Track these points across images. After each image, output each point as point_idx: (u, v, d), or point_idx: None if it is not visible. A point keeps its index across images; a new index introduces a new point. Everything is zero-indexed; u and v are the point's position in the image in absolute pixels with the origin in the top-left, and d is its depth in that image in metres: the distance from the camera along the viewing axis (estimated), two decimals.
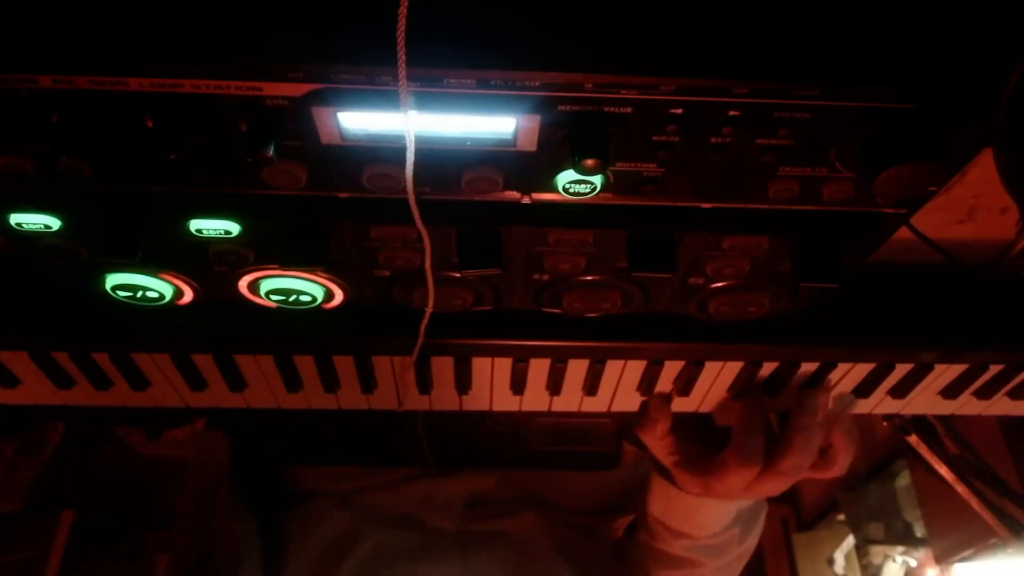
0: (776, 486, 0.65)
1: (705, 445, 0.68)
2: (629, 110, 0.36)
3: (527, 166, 0.40)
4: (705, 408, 0.69)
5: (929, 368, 0.64)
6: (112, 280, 0.49)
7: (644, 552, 0.80)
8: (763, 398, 0.66)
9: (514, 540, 0.88)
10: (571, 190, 0.41)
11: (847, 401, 0.68)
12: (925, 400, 0.69)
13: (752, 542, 0.80)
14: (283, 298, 0.51)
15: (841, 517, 1.74)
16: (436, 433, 0.84)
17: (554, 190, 0.42)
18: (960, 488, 0.90)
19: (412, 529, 0.88)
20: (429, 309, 0.49)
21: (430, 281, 0.46)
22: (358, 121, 0.37)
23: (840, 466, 0.67)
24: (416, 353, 0.53)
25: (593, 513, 0.95)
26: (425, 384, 0.64)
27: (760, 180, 0.42)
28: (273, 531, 0.92)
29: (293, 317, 0.53)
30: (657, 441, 0.69)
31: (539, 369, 0.63)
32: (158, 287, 0.49)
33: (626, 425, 0.90)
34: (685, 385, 0.65)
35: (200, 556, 0.85)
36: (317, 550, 0.87)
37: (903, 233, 0.49)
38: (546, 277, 0.50)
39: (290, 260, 0.46)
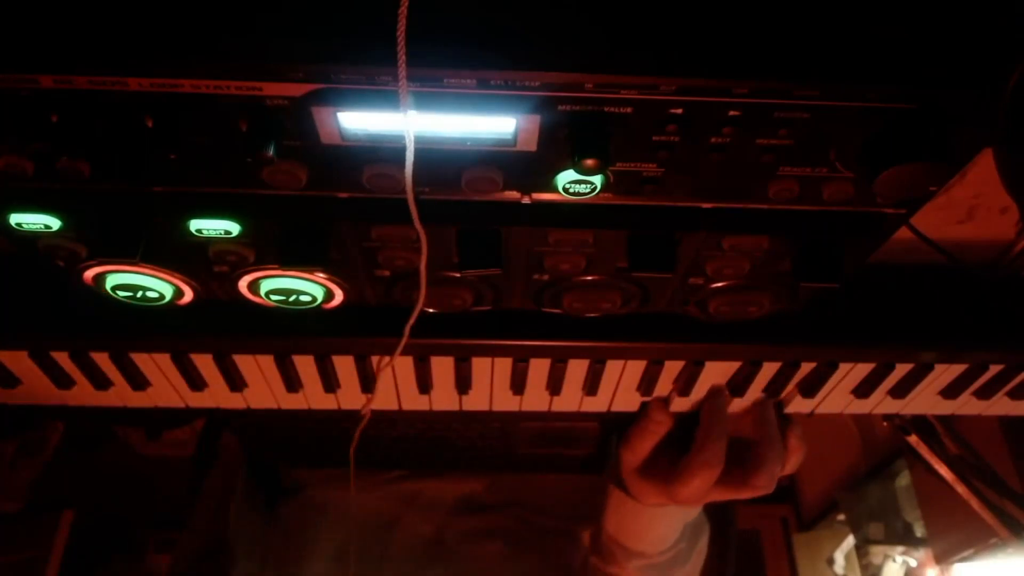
0: (748, 496, 0.66)
1: (670, 454, 0.69)
2: (629, 110, 0.36)
3: (527, 166, 0.40)
4: None
5: (929, 368, 0.64)
6: (112, 280, 0.49)
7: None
8: (726, 400, 0.66)
9: (480, 555, 0.88)
10: (571, 190, 0.41)
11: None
12: (925, 400, 0.69)
13: (695, 566, 0.81)
14: (283, 298, 0.51)
15: (841, 517, 1.74)
16: (425, 436, 0.84)
17: (554, 190, 0.42)
18: (960, 488, 0.90)
19: (391, 531, 0.89)
20: (418, 307, 0.49)
21: (423, 281, 0.46)
22: (358, 121, 0.37)
23: (792, 465, 0.69)
24: (398, 352, 0.53)
25: (577, 518, 0.95)
26: (425, 384, 0.64)
27: (760, 180, 0.42)
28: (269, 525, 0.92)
29: (293, 317, 0.53)
30: (646, 445, 0.69)
31: (539, 369, 0.63)
32: (158, 287, 0.49)
33: (612, 428, 0.90)
34: (685, 385, 0.65)
35: (209, 550, 0.85)
36: (295, 550, 0.87)
37: (903, 233, 0.49)
38: (546, 277, 0.50)
39: (290, 260, 0.46)
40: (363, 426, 0.62)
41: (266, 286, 0.50)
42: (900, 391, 0.67)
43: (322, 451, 0.90)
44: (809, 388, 0.66)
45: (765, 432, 0.65)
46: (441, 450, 0.89)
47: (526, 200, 0.43)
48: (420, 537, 0.89)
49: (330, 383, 0.63)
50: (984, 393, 0.68)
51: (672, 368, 0.63)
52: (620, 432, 0.76)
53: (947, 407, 0.70)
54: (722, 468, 0.63)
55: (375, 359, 0.61)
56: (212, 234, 0.45)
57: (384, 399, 0.66)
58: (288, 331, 0.57)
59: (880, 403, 0.69)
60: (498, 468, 0.94)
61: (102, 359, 0.60)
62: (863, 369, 0.64)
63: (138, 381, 0.62)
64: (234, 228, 0.44)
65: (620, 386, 0.65)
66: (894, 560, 1.62)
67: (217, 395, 0.64)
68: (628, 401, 0.68)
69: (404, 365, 0.62)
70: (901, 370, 0.64)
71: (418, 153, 0.37)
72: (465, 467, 0.93)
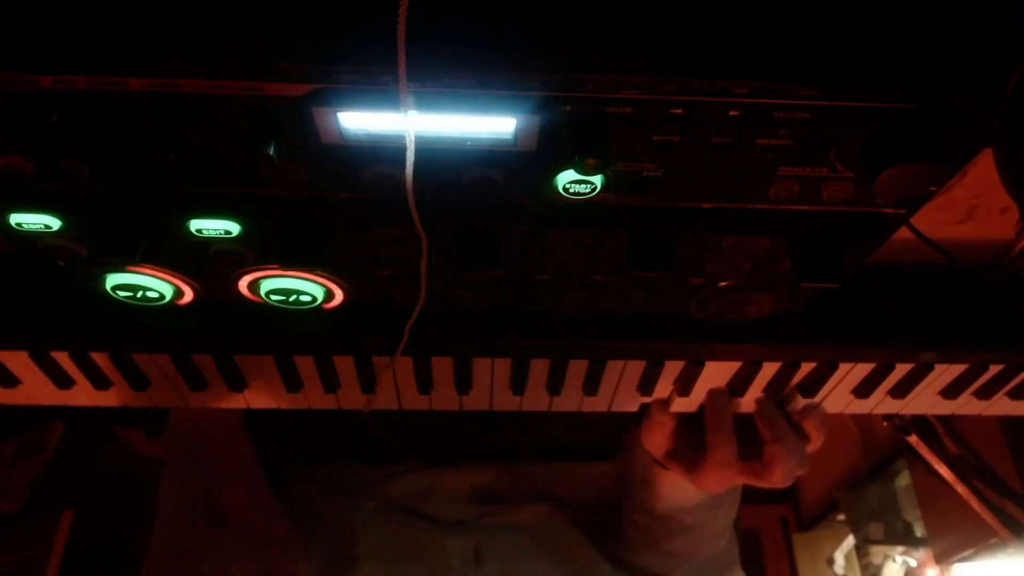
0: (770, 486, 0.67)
1: (693, 438, 0.70)
2: (629, 110, 0.36)
3: (527, 166, 0.40)
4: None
5: (929, 368, 0.64)
6: (112, 280, 0.49)
7: (652, 532, 0.82)
8: (727, 400, 0.67)
9: (526, 525, 0.88)
10: (571, 190, 0.41)
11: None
12: (925, 400, 0.69)
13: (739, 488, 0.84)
14: (283, 298, 0.51)
15: (841, 517, 1.74)
16: (432, 424, 0.84)
17: (554, 190, 0.42)
18: (960, 488, 0.90)
19: (411, 522, 0.88)
20: (418, 307, 0.49)
21: (424, 280, 0.46)
22: (358, 121, 0.37)
23: (813, 447, 0.69)
24: (399, 352, 0.53)
25: (595, 509, 0.95)
26: (425, 384, 0.64)
27: (760, 180, 0.42)
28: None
29: (293, 317, 0.53)
30: (660, 439, 0.71)
31: (539, 369, 0.63)
32: (158, 287, 0.49)
33: (623, 418, 0.90)
34: (685, 385, 0.65)
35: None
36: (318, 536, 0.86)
37: (903, 233, 0.49)
38: (546, 277, 0.50)
39: (290, 260, 0.46)
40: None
41: (266, 286, 0.50)
42: (900, 391, 0.67)
43: (322, 446, 0.90)
44: (809, 388, 0.66)
45: (770, 432, 0.65)
46: (449, 438, 0.89)
47: (526, 200, 0.43)
48: (443, 523, 0.88)
49: (330, 383, 0.63)
50: (984, 393, 0.68)
51: (672, 368, 0.63)
52: (634, 424, 0.77)
53: (947, 407, 0.70)
54: (736, 466, 0.65)
55: (375, 359, 0.61)
56: (212, 234, 0.45)
57: (384, 399, 0.66)
58: (288, 331, 0.57)
59: (880, 403, 0.69)
60: (510, 458, 0.93)
61: (102, 359, 0.60)
62: (863, 369, 0.64)
63: (138, 381, 0.62)
64: (234, 228, 0.44)
65: (620, 386, 0.65)
66: (894, 560, 1.62)
67: (217, 395, 0.64)
68: (628, 401, 0.68)
69: (404, 365, 0.62)
70: (901, 370, 0.64)
71: (418, 153, 0.37)
72: (476, 457, 0.93)
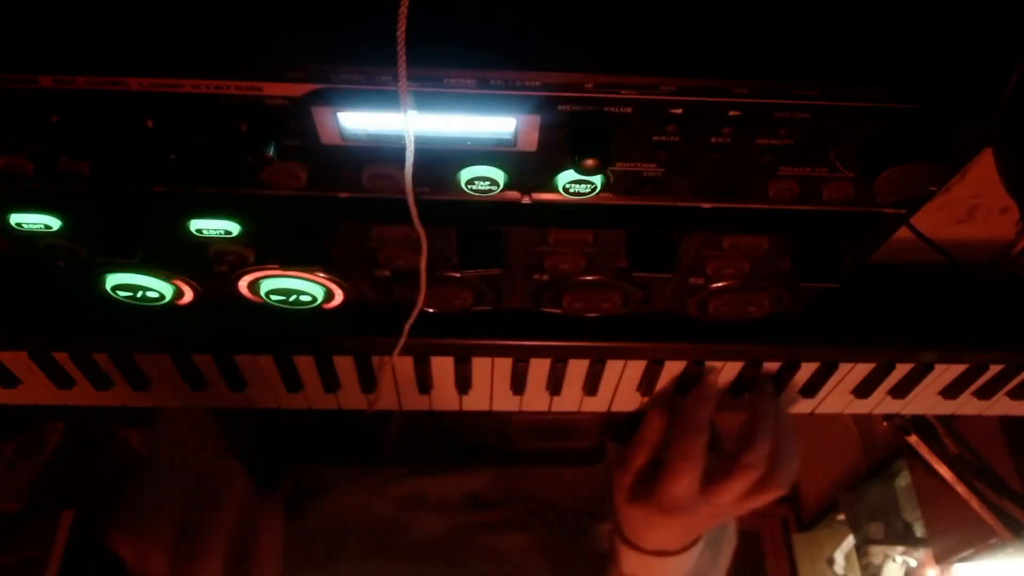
0: (736, 485, 0.62)
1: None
2: (629, 110, 0.36)
3: (527, 166, 0.40)
4: None
5: (929, 368, 0.64)
6: (112, 280, 0.49)
7: None
8: (709, 398, 0.63)
9: (503, 551, 0.88)
10: (571, 190, 0.41)
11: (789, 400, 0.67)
12: (925, 400, 0.69)
13: (724, 563, 0.78)
14: (283, 298, 0.51)
15: (841, 517, 1.74)
16: (421, 430, 0.84)
17: (554, 190, 0.42)
18: (960, 488, 0.90)
19: (400, 535, 0.88)
20: (418, 307, 0.49)
21: (423, 280, 0.46)
22: (358, 121, 0.37)
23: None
24: (397, 351, 0.53)
25: (583, 513, 0.95)
26: (425, 384, 0.64)
27: (760, 180, 0.42)
28: None
29: (293, 317, 0.53)
30: (639, 459, 0.66)
31: (539, 369, 0.63)
32: (158, 287, 0.49)
33: (611, 423, 0.90)
34: (685, 385, 0.65)
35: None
36: (304, 554, 0.86)
37: (903, 233, 0.49)
38: (546, 277, 0.50)
39: (290, 260, 0.46)
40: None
41: (266, 286, 0.50)
42: (900, 391, 0.67)
43: (320, 446, 0.90)
44: (809, 388, 0.66)
45: (758, 425, 0.62)
46: (441, 444, 0.89)
47: (526, 200, 0.43)
48: (434, 536, 0.88)
49: (330, 383, 0.63)
50: (984, 393, 0.68)
51: (672, 368, 0.63)
52: (616, 429, 0.75)
53: (947, 407, 0.70)
54: (703, 462, 0.61)
55: (375, 359, 0.61)
56: (212, 234, 0.45)
57: (384, 399, 0.66)
58: (288, 331, 0.57)
59: (880, 403, 0.69)
60: (500, 463, 0.93)
61: (102, 359, 0.60)
62: (863, 369, 0.64)
63: (138, 381, 0.62)
64: (234, 228, 0.44)
65: (620, 386, 0.65)
66: (894, 560, 1.62)
67: (217, 395, 0.64)
68: (628, 401, 0.68)
69: (404, 365, 0.62)
70: (901, 370, 0.64)
71: (418, 153, 0.37)
72: (466, 462, 0.93)
